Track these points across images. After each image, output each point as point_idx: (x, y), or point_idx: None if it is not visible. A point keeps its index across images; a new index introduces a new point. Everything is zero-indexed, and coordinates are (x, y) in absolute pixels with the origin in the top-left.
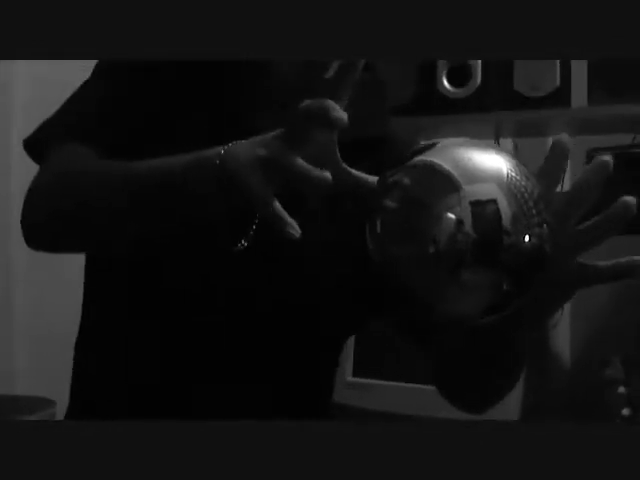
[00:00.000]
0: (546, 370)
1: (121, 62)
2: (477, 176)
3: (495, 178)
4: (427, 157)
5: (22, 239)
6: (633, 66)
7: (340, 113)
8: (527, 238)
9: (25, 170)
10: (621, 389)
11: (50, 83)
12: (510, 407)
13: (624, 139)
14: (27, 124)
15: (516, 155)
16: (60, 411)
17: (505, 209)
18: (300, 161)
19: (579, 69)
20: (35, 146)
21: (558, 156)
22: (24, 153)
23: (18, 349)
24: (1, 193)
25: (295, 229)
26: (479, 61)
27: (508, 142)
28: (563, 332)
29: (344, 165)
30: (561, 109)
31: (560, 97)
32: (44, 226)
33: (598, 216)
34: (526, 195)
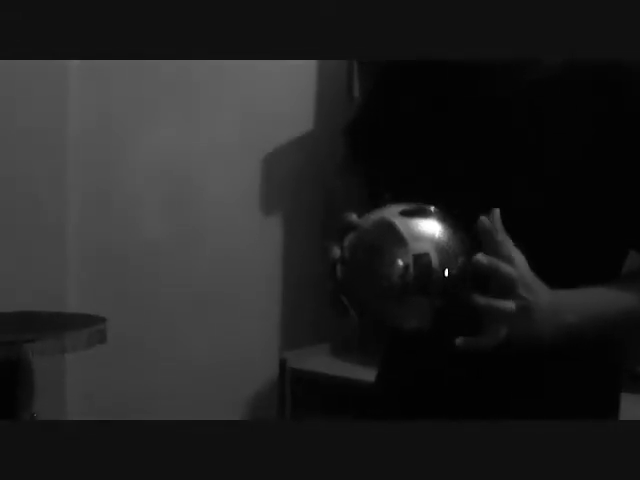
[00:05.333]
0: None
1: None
2: (418, 236)
3: (429, 238)
4: (390, 217)
5: None
6: None
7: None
8: (446, 272)
9: None
10: None
11: None
12: None
13: None
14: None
15: None
16: (109, 327)
17: (434, 258)
18: None
19: None
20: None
21: (483, 233)
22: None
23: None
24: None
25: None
26: None
27: None
28: None
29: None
30: None
31: None
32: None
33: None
34: (447, 247)
